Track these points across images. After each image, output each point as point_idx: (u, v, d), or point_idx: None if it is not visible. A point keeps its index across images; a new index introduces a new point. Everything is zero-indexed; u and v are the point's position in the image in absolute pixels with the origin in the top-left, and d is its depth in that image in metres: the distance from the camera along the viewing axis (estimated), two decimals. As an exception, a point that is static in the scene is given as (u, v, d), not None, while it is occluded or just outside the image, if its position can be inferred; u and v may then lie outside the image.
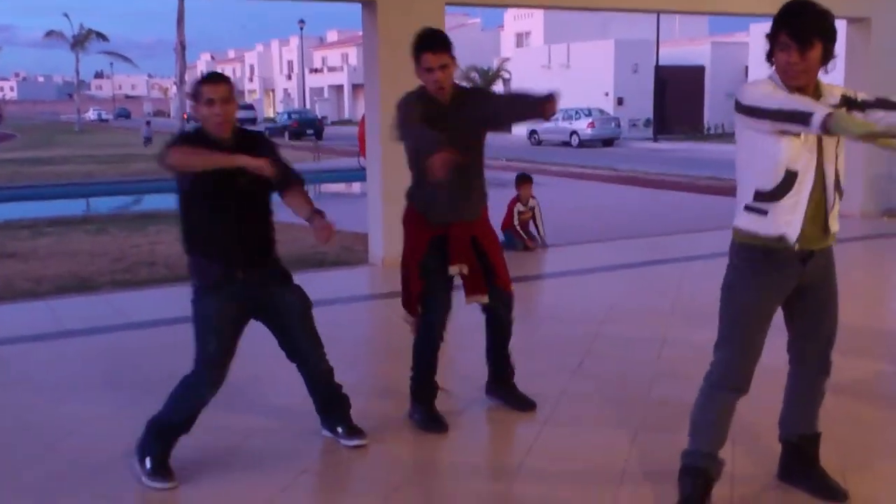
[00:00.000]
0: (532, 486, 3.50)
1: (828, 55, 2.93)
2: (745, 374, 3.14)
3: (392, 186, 8.01)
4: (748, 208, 2.99)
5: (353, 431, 3.89)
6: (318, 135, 40.09)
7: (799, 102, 2.79)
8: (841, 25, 12.12)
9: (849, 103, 2.95)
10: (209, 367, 3.58)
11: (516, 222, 9.04)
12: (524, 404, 4.31)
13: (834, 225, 3.08)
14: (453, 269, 3.99)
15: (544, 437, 3.99)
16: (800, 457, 3.42)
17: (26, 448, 3.94)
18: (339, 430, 3.90)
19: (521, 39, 54.10)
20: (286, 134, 42.38)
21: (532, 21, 52.62)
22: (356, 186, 19.59)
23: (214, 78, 3.60)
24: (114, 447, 3.90)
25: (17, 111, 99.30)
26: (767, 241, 2.99)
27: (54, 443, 3.99)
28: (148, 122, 41.30)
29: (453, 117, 3.90)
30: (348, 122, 59.81)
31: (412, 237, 4.11)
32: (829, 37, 2.92)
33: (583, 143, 33.09)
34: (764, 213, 2.96)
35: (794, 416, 3.41)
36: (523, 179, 9.28)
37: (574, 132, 33.81)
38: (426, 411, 4.14)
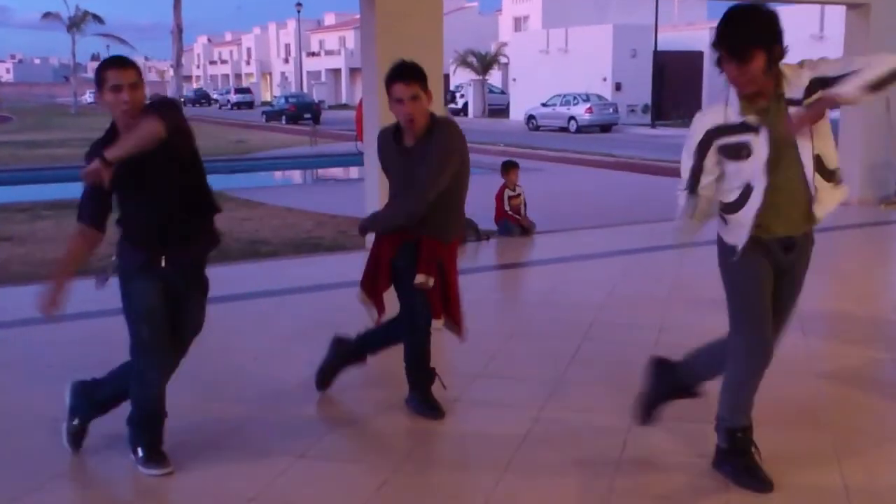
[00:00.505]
0: (529, 473, 3.52)
1: (775, 57, 2.96)
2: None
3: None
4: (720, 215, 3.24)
5: (149, 460, 3.52)
6: (316, 119, 39.99)
7: (685, 171, 3.19)
8: (840, 11, 12.14)
9: (822, 84, 2.95)
10: (147, 353, 3.50)
11: (507, 208, 9.09)
12: (433, 411, 4.10)
13: (819, 210, 3.14)
14: (420, 278, 3.86)
15: (541, 423, 4.00)
16: (734, 448, 3.39)
17: (25, 429, 3.94)
18: (139, 452, 3.54)
19: (519, 24, 53.86)
20: (283, 118, 42.27)
21: (530, 5, 52.38)
22: (353, 171, 19.57)
23: (120, 62, 3.32)
24: (113, 429, 3.90)
25: (13, 93, 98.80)
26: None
27: (52, 424, 3.99)
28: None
29: (413, 163, 3.78)
30: (345, 106, 59.63)
31: (384, 238, 4.00)
32: (771, 41, 2.94)
33: (581, 129, 33.02)
34: (725, 223, 3.22)
35: (731, 406, 3.39)
36: (510, 165, 9.40)
37: (572, 118, 33.73)
38: (422, 397, 4.14)
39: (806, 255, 3.32)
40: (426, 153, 3.75)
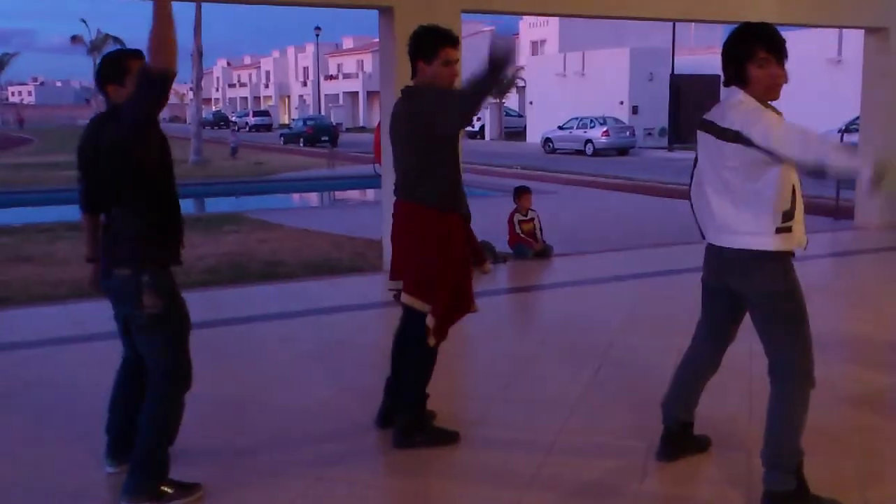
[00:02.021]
0: (548, 498, 3.49)
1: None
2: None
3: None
4: (779, 230, 3.14)
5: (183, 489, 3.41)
6: (333, 141, 40.21)
7: (844, 153, 2.96)
8: (858, 35, 12.12)
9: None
10: (186, 378, 3.51)
11: (519, 231, 9.13)
12: (396, 437, 3.99)
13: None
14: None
15: (560, 444, 3.98)
16: (678, 440, 3.69)
17: (46, 448, 3.95)
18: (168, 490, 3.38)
19: (536, 47, 54.12)
20: (301, 140, 42.52)
21: (547, 29, 52.64)
22: (370, 193, 19.63)
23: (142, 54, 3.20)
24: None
25: (35, 115, 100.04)
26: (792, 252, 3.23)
27: (74, 444, 4.01)
28: (236, 129, 38.04)
29: (397, 130, 3.90)
30: (363, 129, 59.96)
31: (450, 237, 3.81)
32: None
33: (597, 152, 33.03)
34: (789, 230, 3.15)
35: (679, 404, 3.67)
36: (522, 191, 9.46)
37: (588, 141, 33.75)
38: (430, 429, 4.05)
39: None
40: (405, 114, 3.80)
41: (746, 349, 4.72)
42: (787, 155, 3.00)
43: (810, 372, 3.24)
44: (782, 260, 3.19)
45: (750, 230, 3.17)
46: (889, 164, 3.09)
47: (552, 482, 3.61)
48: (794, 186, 3.14)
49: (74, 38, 59.23)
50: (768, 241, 3.15)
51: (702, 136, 3.31)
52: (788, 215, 3.13)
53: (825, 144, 2.96)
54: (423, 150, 3.75)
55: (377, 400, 4.43)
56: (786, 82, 3.14)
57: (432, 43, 3.78)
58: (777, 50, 3.12)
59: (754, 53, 3.13)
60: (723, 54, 3.28)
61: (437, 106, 3.62)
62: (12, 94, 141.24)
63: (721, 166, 3.20)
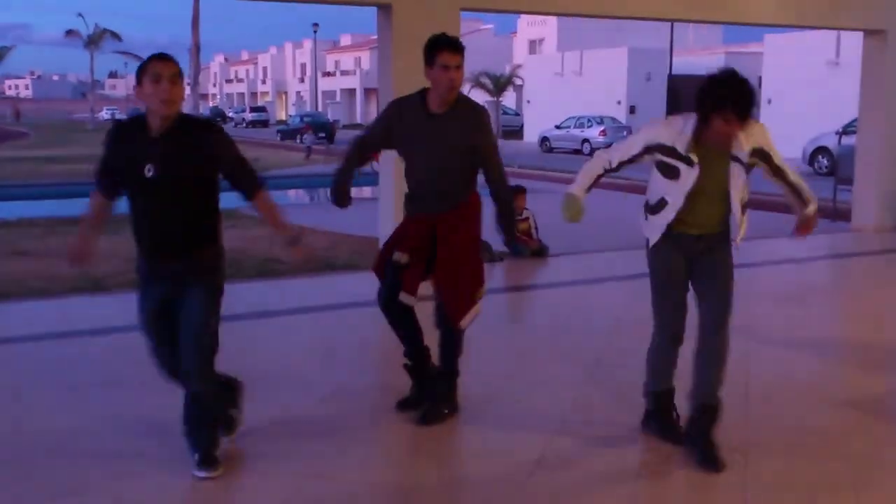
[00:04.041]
0: (543, 497, 3.49)
1: None
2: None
3: (404, 190, 8.02)
4: (642, 209, 3.95)
5: (205, 462, 3.58)
6: (330, 138, 40.16)
7: (616, 150, 3.93)
8: (856, 37, 12.14)
9: (762, 157, 3.67)
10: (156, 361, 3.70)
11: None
12: (423, 417, 4.20)
13: (740, 232, 3.76)
14: (395, 255, 4.14)
15: (556, 445, 3.98)
16: (695, 427, 3.80)
17: (37, 444, 3.94)
18: (196, 456, 3.61)
19: (534, 46, 54.11)
20: (298, 137, 42.47)
21: (545, 28, 52.62)
22: (366, 190, 19.60)
23: (164, 57, 3.43)
24: (127, 446, 3.90)
25: (32, 109, 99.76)
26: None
27: (65, 440, 3.99)
28: (309, 129, 35.28)
29: (442, 129, 4.00)
30: (359, 125, 59.89)
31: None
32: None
33: (594, 151, 33.00)
34: (645, 218, 3.91)
35: (696, 386, 3.83)
36: (517, 191, 9.41)
37: (586, 140, 33.77)
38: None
39: (720, 246, 3.81)
40: (454, 120, 3.98)
41: (743, 349, 4.71)
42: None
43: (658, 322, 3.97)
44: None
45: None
46: (573, 199, 3.77)
47: (546, 483, 3.61)
48: (666, 199, 3.73)
49: (69, 32, 59.03)
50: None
51: None
52: (649, 208, 3.85)
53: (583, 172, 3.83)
54: (468, 161, 4.07)
55: (373, 397, 4.43)
56: (731, 139, 3.60)
57: (430, 47, 3.99)
58: (740, 113, 3.49)
59: (718, 108, 3.49)
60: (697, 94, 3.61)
61: (493, 153, 4.12)
62: (9, 87, 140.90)
63: None
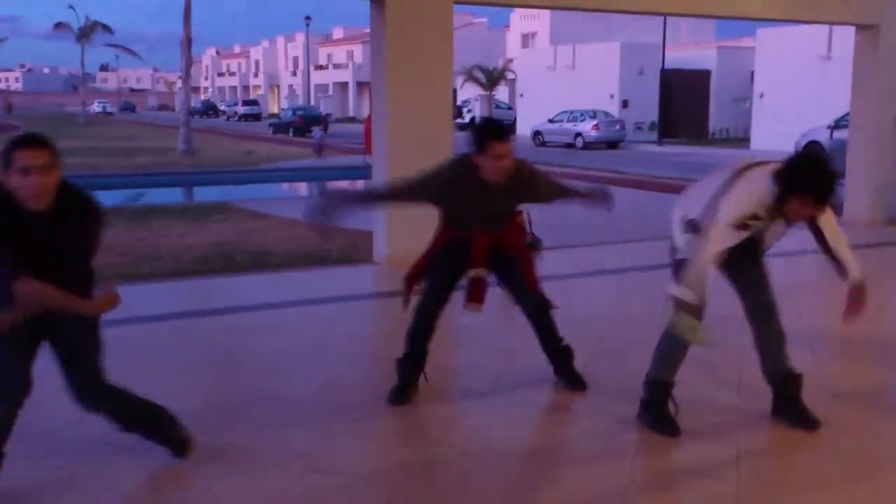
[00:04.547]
0: (538, 488, 3.50)
1: None
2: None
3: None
4: (682, 221, 3.95)
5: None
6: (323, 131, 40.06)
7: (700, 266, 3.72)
8: (849, 32, 12.14)
9: (813, 228, 3.83)
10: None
11: None
12: (575, 383, 4.58)
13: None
14: (472, 272, 4.30)
15: (550, 440, 3.99)
16: (784, 395, 4.11)
17: (29, 438, 3.93)
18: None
19: (526, 40, 54.08)
20: (290, 130, 42.38)
21: (538, 22, 52.59)
22: (359, 184, 19.58)
23: (31, 142, 3.11)
24: (118, 440, 3.89)
25: (23, 102, 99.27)
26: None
27: (57, 433, 3.99)
28: (324, 126, 34.73)
29: (494, 200, 4.20)
30: (352, 119, 59.79)
31: (435, 236, 4.38)
32: None
33: (587, 145, 33.04)
34: (684, 233, 3.92)
35: (767, 364, 4.10)
36: None
37: (579, 134, 33.78)
38: (399, 383, 4.40)
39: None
40: (510, 187, 4.18)
41: (736, 343, 4.74)
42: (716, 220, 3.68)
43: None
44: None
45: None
46: (690, 320, 3.69)
47: (541, 475, 3.62)
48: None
49: (59, 25, 58.66)
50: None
51: None
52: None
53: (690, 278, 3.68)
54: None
55: (367, 390, 4.44)
56: (803, 218, 3.76)
57: (482, 135, 4.08)
58: (822, 199, 3.60)
59: (805, 196, 3.57)
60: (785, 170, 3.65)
61: (547, 191, 4.58)
62: (1, 80, 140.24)
63: None
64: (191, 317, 6.45)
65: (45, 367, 3.44)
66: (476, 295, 4.37)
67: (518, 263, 4.42)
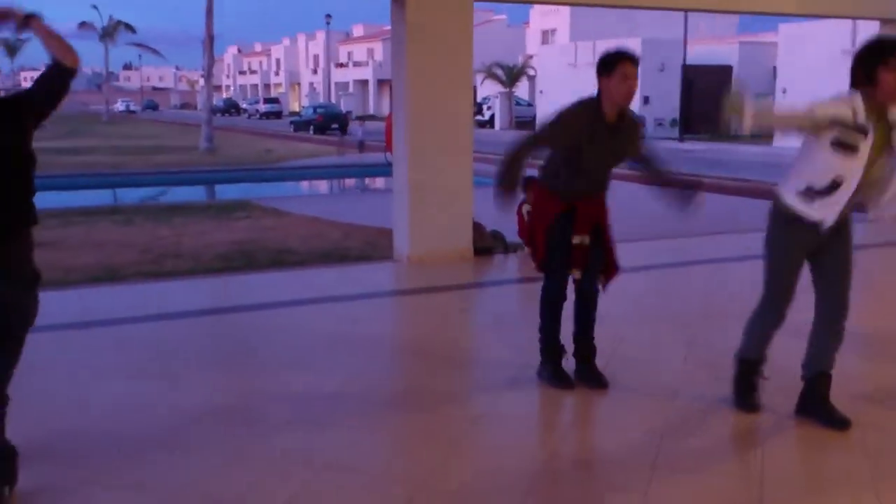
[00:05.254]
0: (557, 489, 3.49)
1: None
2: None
3: (418, 182, 8.03)
4: (800, 194, 3.82)
5: None
6: (343, 129, 40.20)
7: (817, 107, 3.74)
8: (872, 26, 12.00)
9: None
10: None
11: (528, 222, 9.07)
12: (597, 381, 4.58)
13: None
14: (576, 239, 4.44)
15: (569, 439, 3.98)
16: (814, 393, 4.08)
17: (58, 433, 3.97)
18: None
19: (546, 36, 53.90)
20: (311, 128, 42.53)
21: (558, 18, 52.39)
22: (380, 181, 19.62)
23: None
24: (146, 434, 3.93)
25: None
26: (808, 219, 3.84)
27: (87, 428, 4.03)
28: (362, 121, 35.54)
29: (615, 139, 4.36)
30: (372, 117, 59.89)
31: (542, 210, 4.58)
32: None
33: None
34: (812, 201, 3.81)
35: (811, 357, 4.09)
36: (531, 181, 9.35)
37: (599, 130, 33.60)
38: (553, 369, 4.60)
39: (848, 227, 3.97)
40: (625, 130, 4.39)
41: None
42: None
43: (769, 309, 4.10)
44: (789, 216, 3.90)
45: (788, 185, 3.95)
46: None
47: (561, 475, 3.61)
48: (840, 178, 3.73)
49: (83, 25, 59.14)
50: (789, 196, 3.88)
51: None
52: (817, 192, 3.78)
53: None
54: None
55: (387, 386, 4.44)
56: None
57: (610, 58, 4.33)
58: None
59: (888, 60, 3.62)
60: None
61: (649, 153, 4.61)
62: (25, 79, 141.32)
63: None
64: (211, 314, 6.49)
65: None
66: (579, 261, 4.53)
67: (605, 241, 4.59)
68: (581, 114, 4.37)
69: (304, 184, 22.30)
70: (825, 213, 3.82)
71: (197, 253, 9.09)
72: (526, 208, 9.15)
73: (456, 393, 4.62)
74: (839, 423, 4.00)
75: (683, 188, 4.56)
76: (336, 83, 71.18)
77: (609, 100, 4.32)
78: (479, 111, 46.90)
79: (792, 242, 3.94)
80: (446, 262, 7.97)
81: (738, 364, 4.25)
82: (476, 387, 4.81)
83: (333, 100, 64.27)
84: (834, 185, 3.75)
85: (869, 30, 17.17)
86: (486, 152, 23.97)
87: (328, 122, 42.61)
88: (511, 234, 8.92)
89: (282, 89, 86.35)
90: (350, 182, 22.00)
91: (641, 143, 4.58)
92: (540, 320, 4.66)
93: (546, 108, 42.69)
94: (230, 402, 4.46)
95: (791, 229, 3.90)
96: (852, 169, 3.72)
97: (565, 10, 49.79)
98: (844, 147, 3.68)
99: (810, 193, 3.81)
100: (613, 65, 4.29)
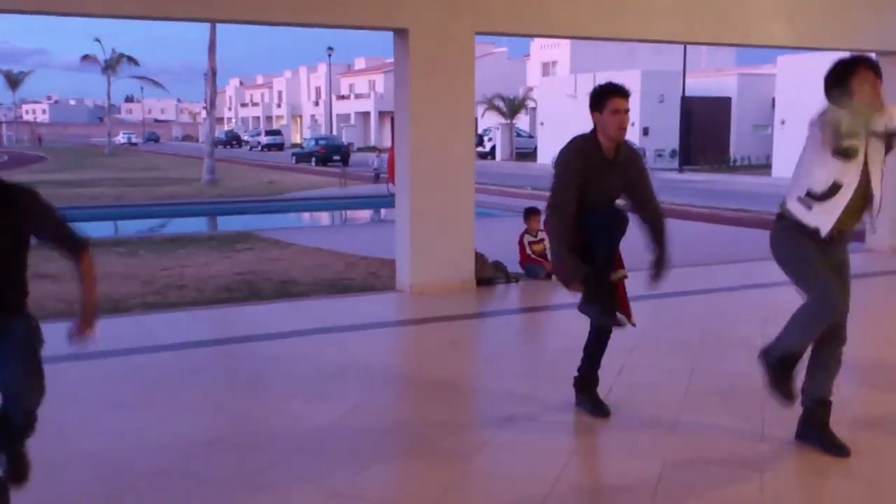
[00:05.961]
0: (559, 514, 3.51)
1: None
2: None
3: (421, 212, 8.10)
4: (800, 199, 3.87)
5: None
6: (345, 161, 40.39)
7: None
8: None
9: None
10: None
11: (529, 252, 9.16)
12: (599, 411, 4.62)
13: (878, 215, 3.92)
14: (619, 274, 4.69)
15: (571, 467, 4.00)
16: (813, 420, 4.10)
17: (63, 461, 3.99)
18: None
19: (547, 68, 54.33)
20: (313, 160, 42.74)
21: (558, 51, 52.85)
22: (382, 212, 19.71)
23: None
24: (150, 464, 3.95)
25: (49, 134, 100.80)
26: (808, 226, 3.86)
27: (90, 458, 4.05)
28: (378, 152, 34.52)
29: (613, 173, 4.45)
30: (374, 148, 60.19)
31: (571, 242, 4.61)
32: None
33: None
34: (810, 207, 3.84)
35: (812, 384, 4.10)
36: (532, 212, 9.51)
37: (599, 161, 33.73)
38: (591, 399, 4.67)
39: (846, 246, 4.04)
40: (624, 162, 4.49)
41: (756, 368, 4.72)
42: None
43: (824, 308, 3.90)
44: (792, 223, 3.93)
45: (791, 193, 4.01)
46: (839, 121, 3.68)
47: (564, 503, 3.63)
48: (840, 182, 3.77)
49: (85, 58, 59.62)
50: (791, 203, 3.93)
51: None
52: (817, 196, 3.80)
53: None
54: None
55: (392, 415, 4.46)
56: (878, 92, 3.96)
57: (600, 93, 4.44)
58: (870, 64, 3.96)
59: (857, 73, 3.88)
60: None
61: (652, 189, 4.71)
62: (26, 112, 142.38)
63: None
64: (215, 345, 6.52)
65: None
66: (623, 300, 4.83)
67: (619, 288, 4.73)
68: (578, 149, 4.45)
69: (307, 215, 22.40)
70: (822, 220, 3.83)
71: (200, 284, 9.14)
72: (527, 238, 9.24)
73: (459, 422, 4.64)
74: (838, 449, 4.02)
75: (660, 258, 4.82)
76: (338, 115, 71.60)
77: (603, 134, 4.40)
78: (481, 143, 47.16)
79: (801, 239, 3.92)
80: (449, 292, 8.02)
81: (779, 361, 4.01)
82: (479, 416, 4.84)
83: (335, 131, 64.65)
84: (833, 189, 3.78)
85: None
86: (488, 183, 24.09)
87: (330, 153, 42.83)
88: (513, 264, 8.97)
89: (283, 121, 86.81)
90: (353, 214, 22.08)
91: (649, 181, 4.66)
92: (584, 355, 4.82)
93: (547, 140, 42.96)
94: (236, 431, 4.48)
95: (794, 233, 3.94)
96: (850, 173, 3.77)
97: (565, 42, 50.24)
98: (844, 153, 3.73)
99: (809, 198, 3.85)
100: (603, 100, 4.38)
